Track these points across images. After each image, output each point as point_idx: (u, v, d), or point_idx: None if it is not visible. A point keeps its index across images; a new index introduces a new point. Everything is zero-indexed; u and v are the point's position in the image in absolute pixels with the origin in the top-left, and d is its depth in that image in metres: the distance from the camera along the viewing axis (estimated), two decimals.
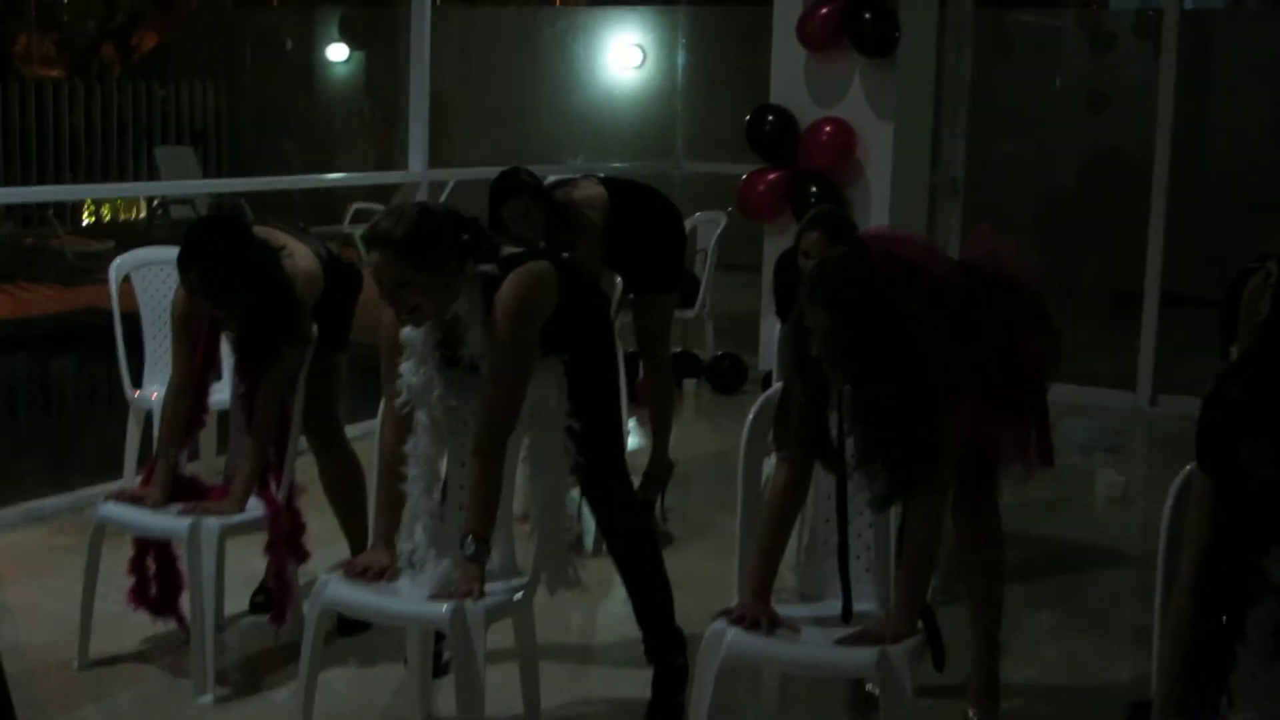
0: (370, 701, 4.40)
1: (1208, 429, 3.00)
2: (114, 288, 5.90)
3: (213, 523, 4.34)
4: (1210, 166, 12.41)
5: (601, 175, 6.23)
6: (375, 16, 16.85)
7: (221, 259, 4.31)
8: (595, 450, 4.04)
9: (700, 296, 8.80)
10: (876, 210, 8.39)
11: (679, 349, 9.06)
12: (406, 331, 3.82)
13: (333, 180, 10.27)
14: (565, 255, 5.82)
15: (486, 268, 3.79)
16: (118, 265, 5.97)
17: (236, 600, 4.96)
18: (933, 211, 9.22)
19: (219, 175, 16.81)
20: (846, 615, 3.66)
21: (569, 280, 3.96)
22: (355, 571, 3.88)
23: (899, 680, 3.43)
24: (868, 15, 8.10)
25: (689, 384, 8.83)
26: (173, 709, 4.34)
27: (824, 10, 8.22)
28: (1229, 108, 12.40)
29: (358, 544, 4.81)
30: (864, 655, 3.45)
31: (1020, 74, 12.75)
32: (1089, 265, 12.39)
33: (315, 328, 4.59)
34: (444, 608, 3.67)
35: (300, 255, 4.57)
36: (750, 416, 3.88)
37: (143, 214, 16.42)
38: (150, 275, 5.98)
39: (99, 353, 6.21)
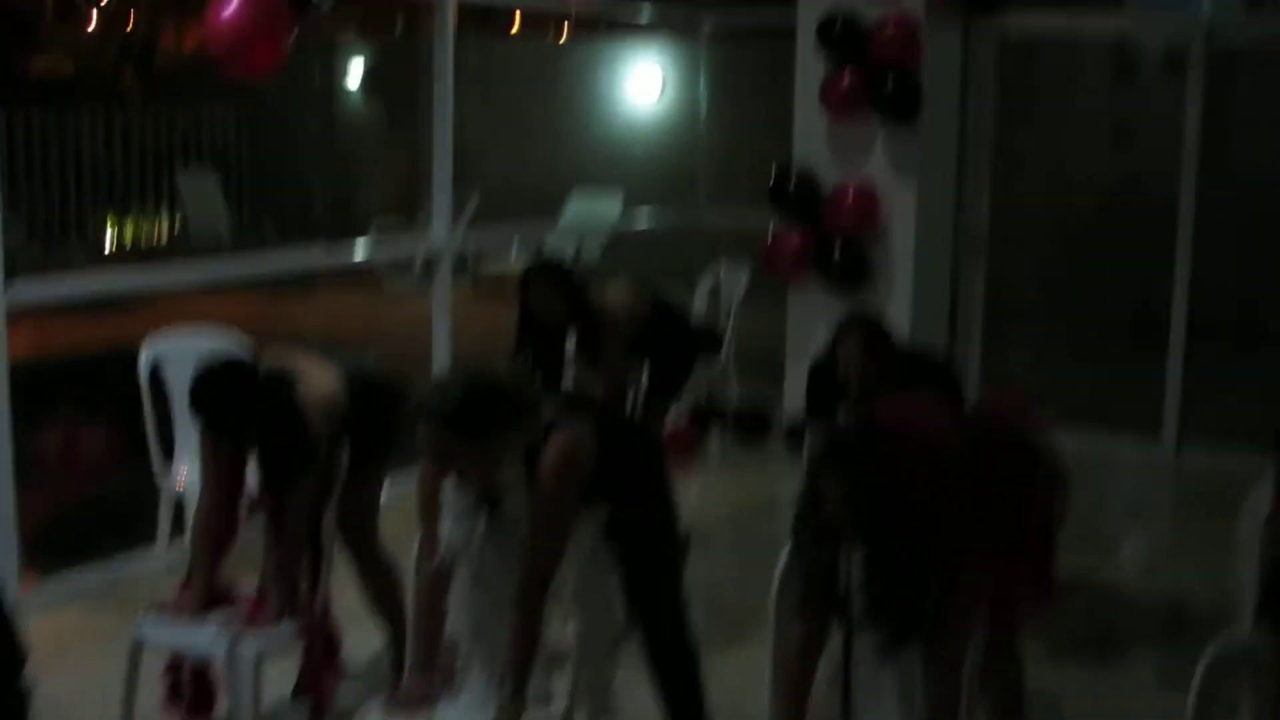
0: None
1: None
2: (144, 382, 5.99)
3: (250, 645, 4.41)
4: (1237, 195, 12.44)
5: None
6: (394, 52, 16.88)
7: (226, 404, 4.48)
8: (645, 594, 4.16)
9: (725, 349, 8.84)
10: (900, 271, 8.43)
11: (703, 402, 9.14)
12: (449, 491, 3.89)
13: (357, 257, 10.27)
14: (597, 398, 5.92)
15: (529, 434, 3.86)
16: (146, 357, 6.09)
17: (271, 691, 4.99)
18: (956, 270, 9.24)
19: (240, 199, 16.87)
20: None
21: (608, 435, 4.03)
22: (398, 703, 3.95)
23: None
24: (890, 85, 8.13)
25: (714, 436, 8.88)
26: None
27: (846, 80, 8.25)
28: (1253, 140, 12.43)
29: (398, 650, 4.93)
30: None
31: (1044, 108, 12.79)
32: (1114, 297, 12.42)
33: (346, 451, 4.66)
34: None
35: (316, 381, 4.63)
36: (777, 577, 3.94)
37: (163, 239, 16.51)
38: (179, 361, 5.98)
39: (122, 399, 6.27)
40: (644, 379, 6.29)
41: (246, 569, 5.08)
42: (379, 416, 4.80)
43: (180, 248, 15.45)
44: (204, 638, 4.49)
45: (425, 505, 4.01)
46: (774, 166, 8.68)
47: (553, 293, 5.89)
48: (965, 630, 3.71)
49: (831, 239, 8.46)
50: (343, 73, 17.58)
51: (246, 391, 4.50)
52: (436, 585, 4.01)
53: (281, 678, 4.92)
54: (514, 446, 3.84)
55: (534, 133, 15.85)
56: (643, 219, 10.62)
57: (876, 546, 3.61)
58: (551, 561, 3.88)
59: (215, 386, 4.50)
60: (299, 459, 4.51)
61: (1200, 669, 3.36)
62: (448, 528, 3.93)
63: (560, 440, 3.87)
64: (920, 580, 3.60)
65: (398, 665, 4.91)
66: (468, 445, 3.77)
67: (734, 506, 7.73)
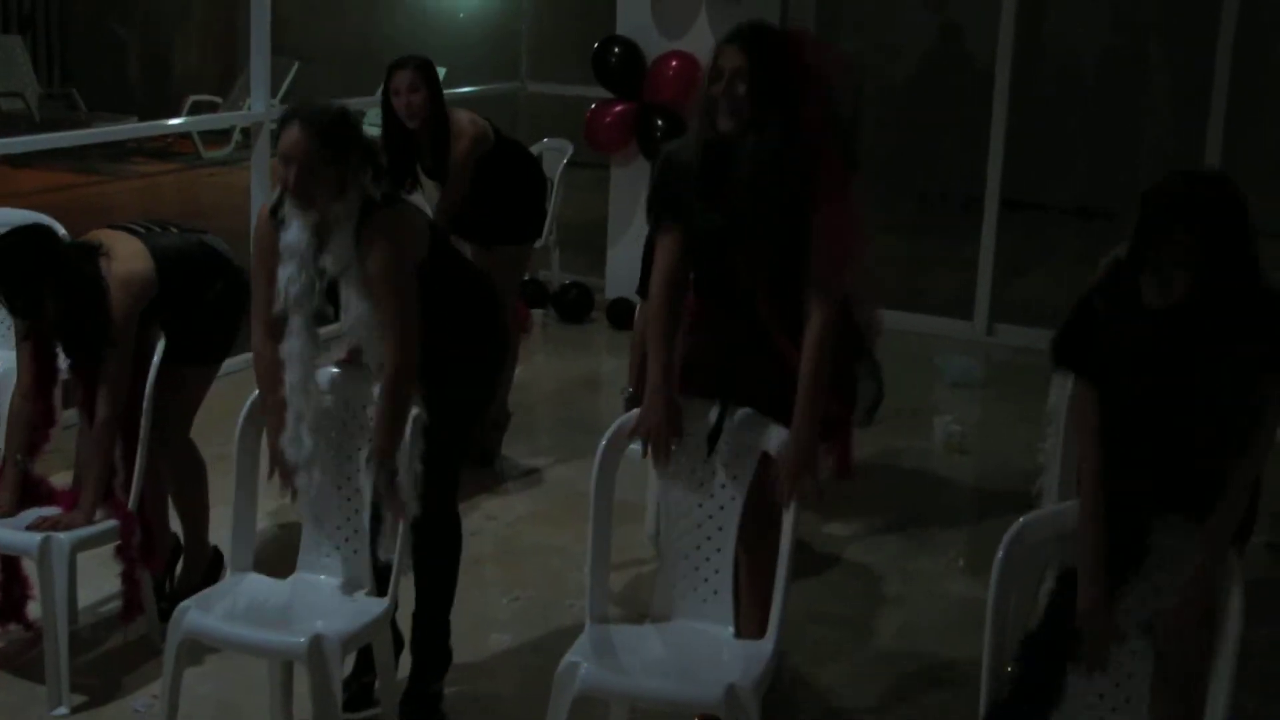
0: (232, 705, 4.43)
1: (1079, 328, 3.41)
2: None
3: (63, 539, 4.33)
4: (1050, 70, 12.61)
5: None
6: None
7: (20, 274, 4.33)
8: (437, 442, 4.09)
9: (547, 226, 8.78)
10: None
11: (526, 278, 9.11)
12: (287, 237, 3.91)
13: (175, 126, 10.05)
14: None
15: (374, 185, 3.94)
16: None
17: (88, 592, 4.94)
18: None
19: (49, 64, 16.30)
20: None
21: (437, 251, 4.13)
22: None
23: (746, 714, 3.56)
24: None
25: (536, 313, 8.87)
26: None
27: None
28: (1070, 10, 12.58)
29: (194, 542, 4.92)
30: (712, 689, 3.57)
31: None
32: (933, 173, 12.56)
33: (161, 334, 4.56)
34: (302, 639, 3.75)
35: (123, 258, 4.49)
36: (602, 444, 3.94)
37: None
38: None
39: None
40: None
41: (65, 464, 4.99)
42: (197, 296, 4.70)
43: None
44: (14, 535, 4.39)
45: (260, 258, 4.01)
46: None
47: (419, 80, 5.92)
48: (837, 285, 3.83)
49: (653, 111, 8.44)
50: None
51: (43, 262, 4.33)
52: (272, 346, 4.03)
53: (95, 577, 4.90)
54: (359, 185, 3.89)
55: (355, 2, 15.50)
56: (465, 91, 10.46)
57: (755, 132, 3.71)
58: (411, 337, 3.91)
59: (9, 256, 4.34)
60: (100, 335, 4.38)
61: (1003, 545, 3.46)
62: (287, 276, 3.92)
63: (395, 215, 3.97)
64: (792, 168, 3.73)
65: (192, 564, 4.91)
66: (326, 159, 3.82)
67: (557, 384, 7.75)
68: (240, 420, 4.14)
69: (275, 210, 3.99)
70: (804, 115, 3.76)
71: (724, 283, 3.91)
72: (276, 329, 4.01)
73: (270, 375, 4.04)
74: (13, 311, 4.46)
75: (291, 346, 3.98)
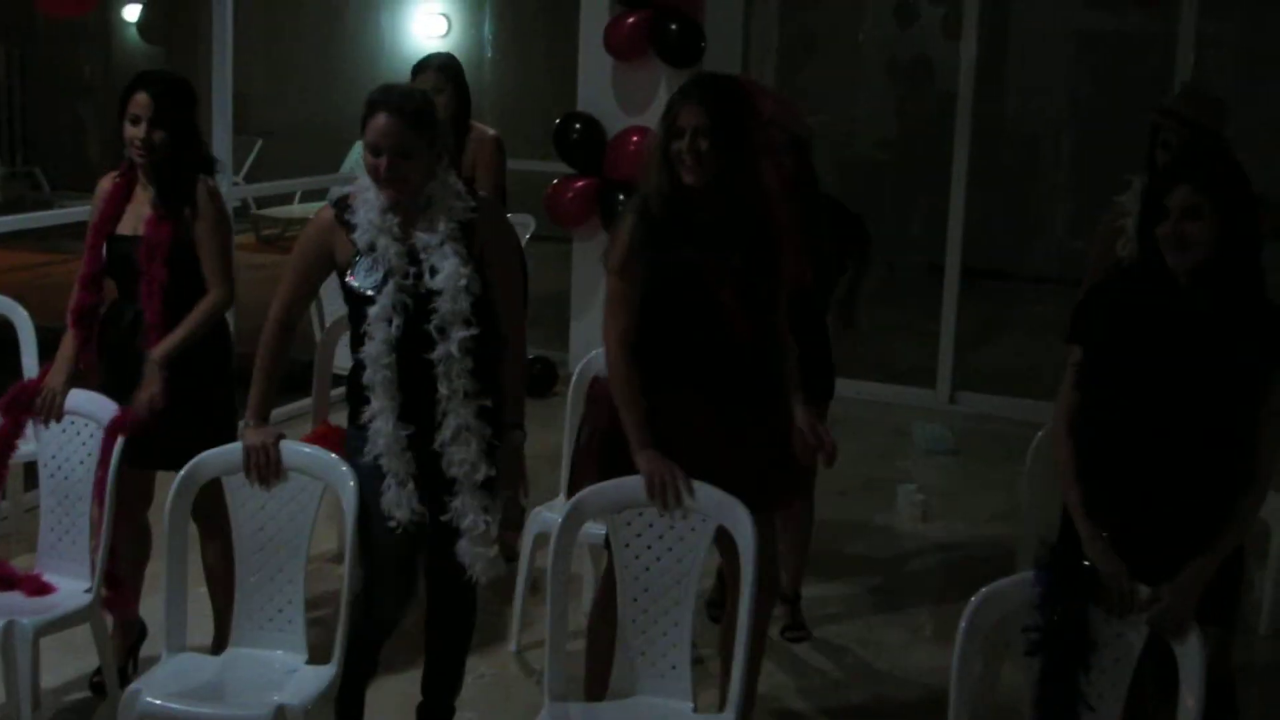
0: None
1: (1091, 306, 3.62)
2: None
3: (25, 624, 4.27)
4: (1010, 140, 12.73)
5: None
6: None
7: (180, 88, 4.62)
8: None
9: None
10: None
11: None
12: (367, 217, 3.92)
13: None
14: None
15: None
16: None
17: (51, 678, 4.88)
18: None
19: (11, 144, 16.32)
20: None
21: None
22: (249, 467, 4.05)
23: None
24: (674, 26, 8.17)
25: None
26: None
27: (630, 20, 8.27)
28: (1027, 82, 12.71)
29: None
30: None
31: (824, 52, 12.93)
32: (892, 240, 12.62)
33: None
34: (265, 711, 3.74)
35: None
36: (560, 521, 3.95)
37: None
38: None
39: None
40: None
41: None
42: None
43: None
44: None
45: (302, 256, 4.09)
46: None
47: (443, 81, 5.88)
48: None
49: (614, 186, 8.49)
50: (119, 14, 17.00)
51: (193, 105, 4.65)
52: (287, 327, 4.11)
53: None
54: (445, 166, 3.99)
55: (317, 77, 15.56)
56: None
57: (720, 181, 3.92)
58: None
59: (173, 74, 4.72)
60: (193, 166, 4.61)
61: (966, 615, 3.48)
62: (379, 245, 3.92)
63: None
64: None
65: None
66: (419, 142, 3.87)
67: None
68: (170, 496, 4.12)
69: (340, 208, 4.00)
70: (763, 162, 4.02)
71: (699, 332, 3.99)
72: (293, 315, 4.10)
73: (278, 343, 4.08)
74: (154, 105, 4.53)
75: (382, 308, 3.90)
